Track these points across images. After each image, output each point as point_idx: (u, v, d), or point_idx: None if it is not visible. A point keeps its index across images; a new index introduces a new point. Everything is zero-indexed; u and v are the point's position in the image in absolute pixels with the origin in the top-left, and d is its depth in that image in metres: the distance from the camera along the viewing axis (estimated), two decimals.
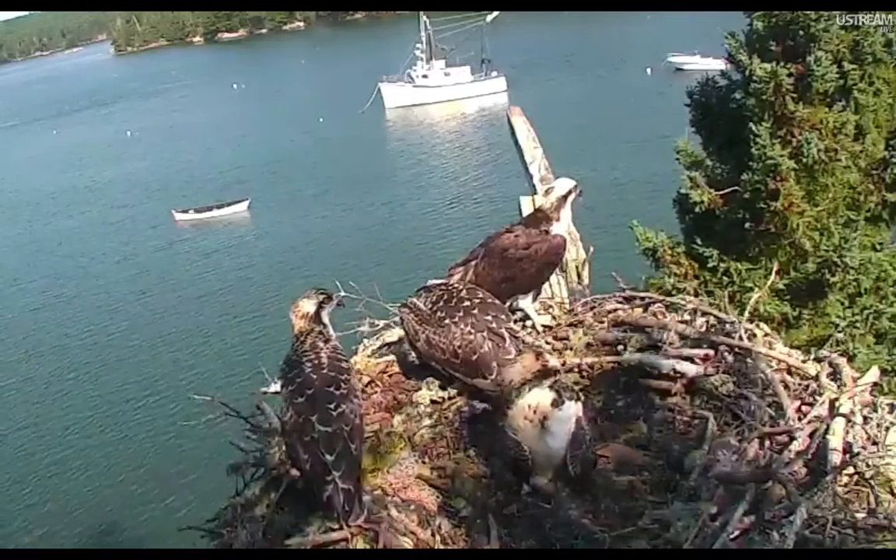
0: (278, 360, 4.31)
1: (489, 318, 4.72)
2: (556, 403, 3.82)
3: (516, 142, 51.94)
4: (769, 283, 6.80)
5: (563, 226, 5.41)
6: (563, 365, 4.86)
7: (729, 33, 8.82)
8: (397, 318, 5.21)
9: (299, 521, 3.75)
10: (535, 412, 3.83)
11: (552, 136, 48.32)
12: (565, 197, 5.41)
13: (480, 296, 4.88)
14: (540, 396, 3.84)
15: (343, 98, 73.80)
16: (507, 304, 5.21)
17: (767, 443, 3.99)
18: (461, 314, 4.71)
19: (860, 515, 3.38)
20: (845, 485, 3.60)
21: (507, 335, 4.67)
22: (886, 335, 8.13)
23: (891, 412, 4.09)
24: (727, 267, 8.58)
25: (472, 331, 4.65)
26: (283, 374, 4.08)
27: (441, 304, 4.82)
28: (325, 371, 3.94)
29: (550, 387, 3.86)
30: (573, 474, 3.83)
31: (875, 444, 3.84)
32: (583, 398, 4.64)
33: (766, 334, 5.10)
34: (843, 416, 3.96)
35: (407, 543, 3.58)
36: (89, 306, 37.99)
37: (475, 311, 4.73)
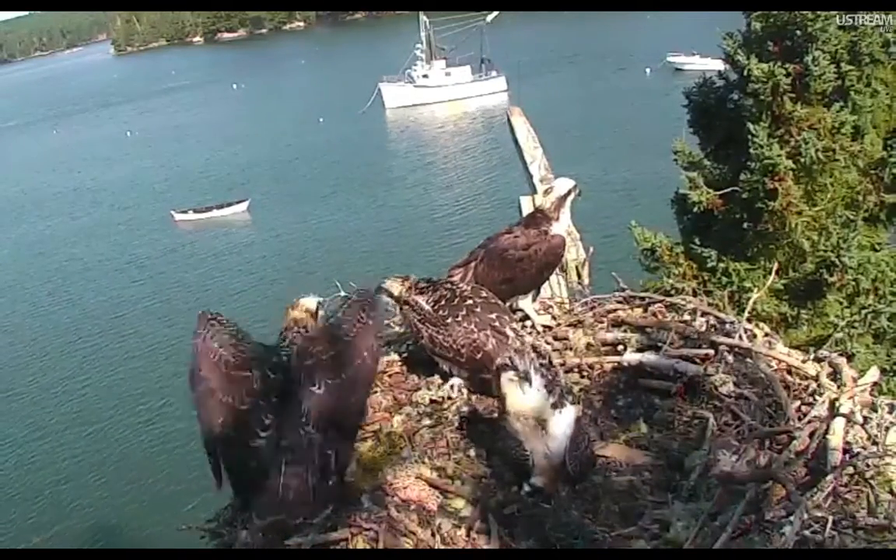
0: None
1: (492, 316, 4.73)
2: (556, 406, 3.81)
3: (516, 142, 51.97)
4: (768, 283, 6.81)
5: (562, 226, 5.42)
6: (563, 365, 4.87)
7: (727, 34, 8.82)
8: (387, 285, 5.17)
9: (299, 522, 3.74)
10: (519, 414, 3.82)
11: (552, 136, 48.34)
12: (565, 197, 5.42)
13: (484, 295, 4.89)
14: (528, 399, 3.82)
15: (343, 98, 73.71)
16: (508, 304, 5.22)
17: (767, 443, 4.00)
18: (464, 312, 4.72)
19: (860, 515, 3.38)
20: (845, 485, 3.59)
21: (510, 333, 4.68)
22: (885, 335, 8.13)
23: (891, 412, 4.09)
24: (726, 267, 8.59)
25: (476, 329, 4.65)
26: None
27: (444, 302, 4.82)
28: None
29: (546, 388, 3.85)
30: (573, 474, 3.83)
31: (875, 444, 3.84)
32: (580, 398, 4.67)
33: (766, 334, 5.11)
34: (843, 416, 3.96)
35: (407, 543, 3.57)
36: (91, 307, 37.97)
37: (478, 310, 4.73)
